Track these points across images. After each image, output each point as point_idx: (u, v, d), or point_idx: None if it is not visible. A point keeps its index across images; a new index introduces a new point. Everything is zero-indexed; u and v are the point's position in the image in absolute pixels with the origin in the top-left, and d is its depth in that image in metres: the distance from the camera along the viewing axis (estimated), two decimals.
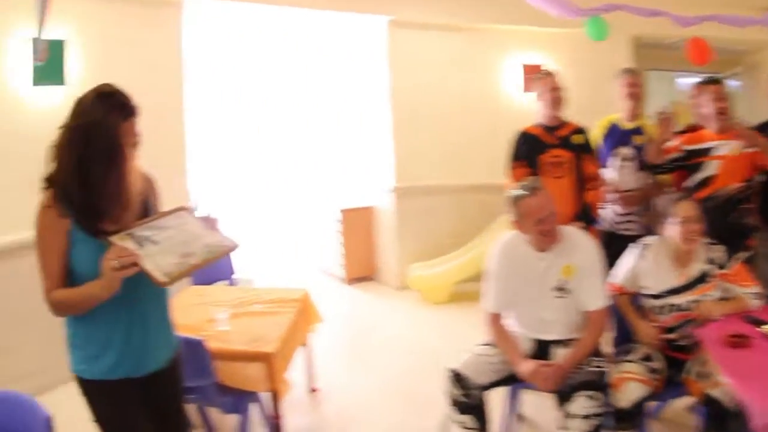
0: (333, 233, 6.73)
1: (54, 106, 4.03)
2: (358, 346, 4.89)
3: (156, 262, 1.88)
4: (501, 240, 2.95)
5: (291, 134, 8.06)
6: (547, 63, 6.30)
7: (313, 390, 4.01)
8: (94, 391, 2.04)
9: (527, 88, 6.31)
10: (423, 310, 5.64)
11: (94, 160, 1.87)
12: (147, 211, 2.13)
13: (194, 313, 3.43)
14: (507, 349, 2.81)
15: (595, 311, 2.78)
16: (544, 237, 2.74)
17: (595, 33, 4.73)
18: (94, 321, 1.99)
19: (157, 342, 2.14)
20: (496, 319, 2.91)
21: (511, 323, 2.95)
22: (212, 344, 2.90)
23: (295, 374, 3.55)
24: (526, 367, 2.69)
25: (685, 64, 5.36)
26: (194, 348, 2.71)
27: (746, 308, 2.80)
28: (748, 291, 2.84)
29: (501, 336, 2.88)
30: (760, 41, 6.98)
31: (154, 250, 1.91)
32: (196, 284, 4.22)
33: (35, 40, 3.79)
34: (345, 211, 6.54)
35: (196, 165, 5.93)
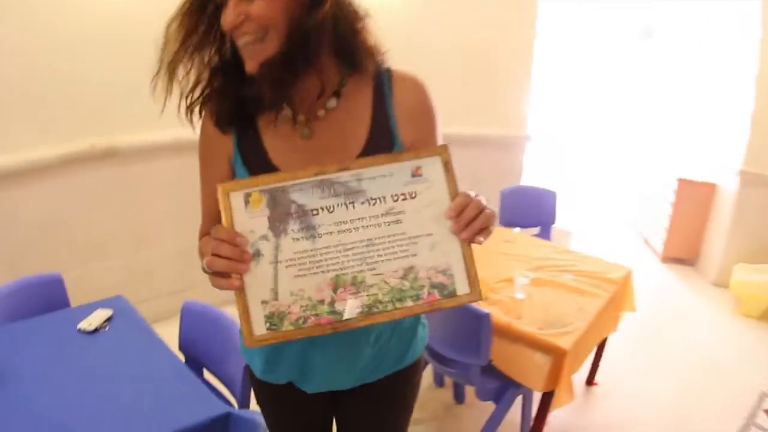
0: (663, 202, 5.68)
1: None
2: (652, 342, 4.00)
3: (276, 285, 1.01)
4: None
5: (639, 83, 7.00)
6: None
7: (591, 383, 3.30)
8: (249, 377, 1.45)
9: None
10: (733, 318, 4.52)
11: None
12: (377, 142, 1.19)
13: (492, 266, 2.81)
14: None
15: None
16: None
17: None
18: None
19: (349, 356, 1.29)
20: None
21: None
22: (498, 315, 2.29)
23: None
24: None
25: None
26: (476, 321, 2.09)
27: None
28: None
29: None
30: None
31: (293, 250, 1.02)
32: (505, 224, 3.65)
33: None
34: (682, 182, 5.35)
35: (539, 91, 5.28)
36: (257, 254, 1.01)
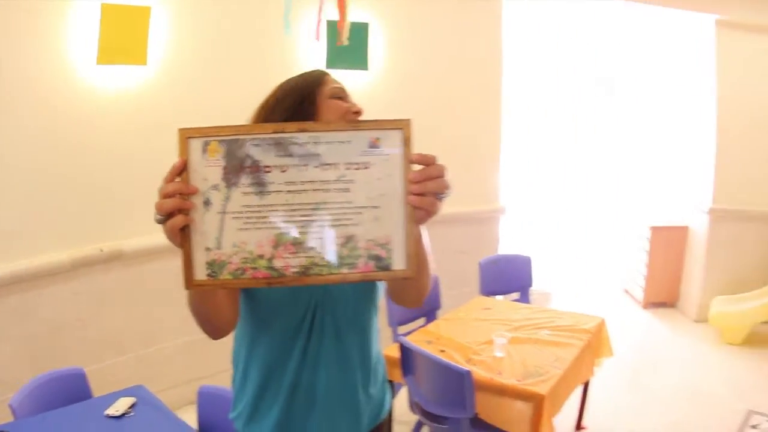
0: (638, 251, 5.95)
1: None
2: (638, 382, 4.24)
3: (221, 235, 1.05)
4: None
5: (604, 138, 7.28)
6: None
7: (581, 428, 3.50)
8: None
9: None
10: (716, 348, 4.81)
11: None
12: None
13: (472, 331, 3.08)
14: None
15: None
16: None
17: None
18: (253, 355, 1.43)
19: (338, 413, 1.41)
20: None
21: None
22: (480, 373, 2.55)
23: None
24: None
25: None
26: (459, 379, 2.34)
27: None
28: None
29: None
30: None
31: (240, 203, 1.05)
32: (486, 294, 3.92)
33: (329, 23, 3.66)
34: (655, 229, 5.67)
35: (509, 163, 5.63)
36: (207, 203, 1.04)
